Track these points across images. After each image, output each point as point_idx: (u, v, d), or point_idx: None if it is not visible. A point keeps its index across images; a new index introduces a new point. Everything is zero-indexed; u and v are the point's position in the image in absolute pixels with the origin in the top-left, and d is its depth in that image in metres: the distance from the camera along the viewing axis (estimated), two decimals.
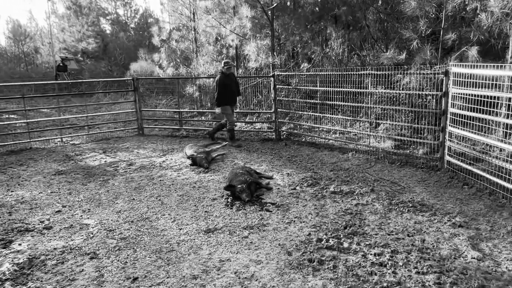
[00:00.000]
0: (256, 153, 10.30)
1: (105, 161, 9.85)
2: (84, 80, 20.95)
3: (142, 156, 10.32)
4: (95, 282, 4.40)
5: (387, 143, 9.63)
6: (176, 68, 19.28)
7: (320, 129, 11.33)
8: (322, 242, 5.16)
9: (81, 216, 6.34)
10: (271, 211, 6.30)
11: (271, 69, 13.94)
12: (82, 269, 4.68)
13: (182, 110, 14.93)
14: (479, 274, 4.31)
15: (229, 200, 6.80)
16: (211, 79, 15.89)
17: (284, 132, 12.13)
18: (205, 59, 17.42)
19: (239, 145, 11.05)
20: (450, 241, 5.10)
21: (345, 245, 5.07)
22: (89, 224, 6.00)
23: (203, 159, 9.07)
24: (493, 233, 5.28)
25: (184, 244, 5.28)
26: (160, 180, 8.11)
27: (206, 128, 13.37)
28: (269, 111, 12.57)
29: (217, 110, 10.98)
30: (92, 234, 5.64)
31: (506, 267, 4.44)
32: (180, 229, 5.76)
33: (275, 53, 13.95)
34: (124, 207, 6.66)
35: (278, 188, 7.40)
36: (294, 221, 5.87)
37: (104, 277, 4.49)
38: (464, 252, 4.81)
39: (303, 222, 5.84)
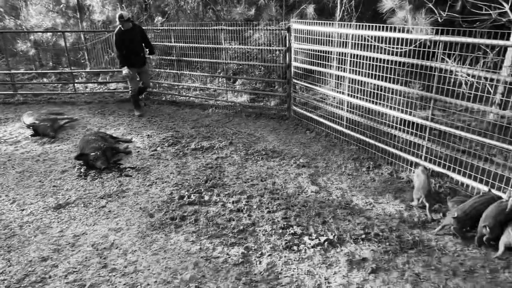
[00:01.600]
0: (112, 116, 9.56)
1: None
2: None
3: None
4: None
5: (244, 97, 10.16)
6: (0, 20, 15.76)
7: (180, 87, 11.14)
8: (184, 199, 5.29)
9: None
10: (130, 176, 6.07)
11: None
12: None
13: (16, 71, 12.55)
14: (316, 204, 5.14)
15: (82, 170, 6.24)
16: (49, 34, 13.63)
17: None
18: (38, 9, 14.69)
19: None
20: (295, 180, 5.88)
21: (206, 198, 5.32)
22: None
23: (47, 128, 7.96)
24: (327, 168, 6.29)
25: (29, 225, 4.70)
26: None
27: (51, 92, 11.65)
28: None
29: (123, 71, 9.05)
30: None
31: (336, 195, 5.40)
32: (23, 210, 5.07)
33: (123, 5, 12.70)
34: None
35: (138, 151, 7.13)
36: (156, 183, 5.82)
37: None
38: (305, 188, 5.63)
39: (165, 182, 5.84)
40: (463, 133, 5.14)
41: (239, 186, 5.68)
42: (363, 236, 4.39)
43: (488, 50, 7.52)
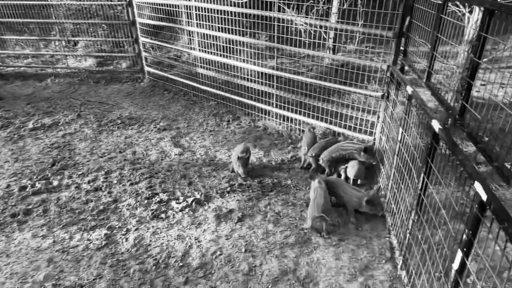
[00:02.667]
0: None
1: None
2: None
3: None
4: None
5: (89, 61, 9.01)
6: None
7: (5, 55, 9.16)
8: (27, 190, 4.54)
9: None
10: None
11: None
12: None
13: None
14: (181, 167, 5.07)
15: None
16: None
17: None
18: None
19: None
20: (157, 145, 5.63)
21: (55, 183, 4.67)
22: None
23: None
24: (189, 128, 6.20)
25: None
26: None
27: None
28: None
29: None
30: None
31: (200, 154, 5.41)
32: None
33: None
34: None
35: None
36: None
37: None
38: (169, 152, 5.46)
39: None
40: (304, 79, 5.62)
41: (95, 162, 5.16)
42: (228, 189, 4.56)
43: None
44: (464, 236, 2.06)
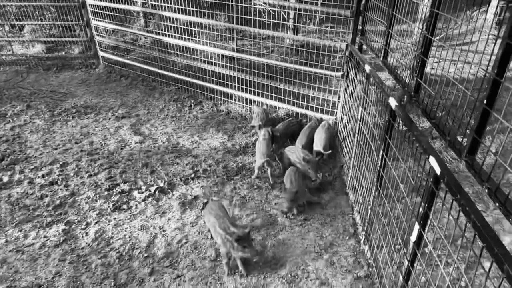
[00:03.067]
0: None
1: None
2: None
3: None
4: None
5: (38, 47, 8.40)
6: None
7: None
8: None
9: None
10: None
11: None
12: None
13: None
14: (142, 155, 4.90)
15: None
16: None
17: None
18: None
19: None
20: (116, 134, 5.40)
21: (5, 179, 4.36)
22: None
23: None
24: (150, 115, 5.98)
25: None
26: None
27: None
28: None
29: None
30: None
31: (162, 141, 5.25)
32: None
33: None
34: None
35: None
36: None
37: None
38: (128, 140, 5.25)
39: None
40: (265, 60, 5.55)
41: (49, 155, 4.87)
42: (193, 175, 4.47)
43: None
44: (421, 209, 2.12)
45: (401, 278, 2.44)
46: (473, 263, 3.19)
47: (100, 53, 7.63)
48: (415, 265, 2.31)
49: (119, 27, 7.07)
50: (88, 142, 5.17)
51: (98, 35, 7.50)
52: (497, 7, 8.83)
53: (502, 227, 3.65)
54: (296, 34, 7.14)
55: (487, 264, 2.42)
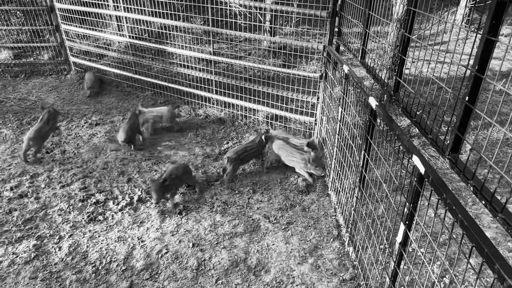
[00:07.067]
0: None
1: None
2: None
3: None
4: None
5: (4, 53, 8.02)
6: None
7: None
8: None
9: None
10: None
11: None
12: None
13: None
14: (118, 163, 4.71)
15: None
16: None
17: None
18: None
19: None
20: (89, 142, 5.17)
21: None
22: None
23: None
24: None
25: None
26: None
27: None
28: None
29: None
30: None
31: (138, 148, 5.07)
32: None
33: None
34: None
35: None
36: None
37: None
38: (103, 148, 5.05)
39: None
40: (243, 63, 5.48)
41: (17, 166, 4.61)
42: None
43: None
44: (406, 209, 2.09)
45: (387, 279, 2.40)
46: (459, 260, 3.21)
47: (72, 59, 7.35)
48: (401, 266, 2.28)
49: (91, 32, 6.83)
50: (60, 152, 4.94)
51: (68, 40, 7.23)
52: (465, 8, 9.12)
53: (481, 223, 3.70)
54: (273, 36, 7.11)
55: (471, 261, 2.42)
